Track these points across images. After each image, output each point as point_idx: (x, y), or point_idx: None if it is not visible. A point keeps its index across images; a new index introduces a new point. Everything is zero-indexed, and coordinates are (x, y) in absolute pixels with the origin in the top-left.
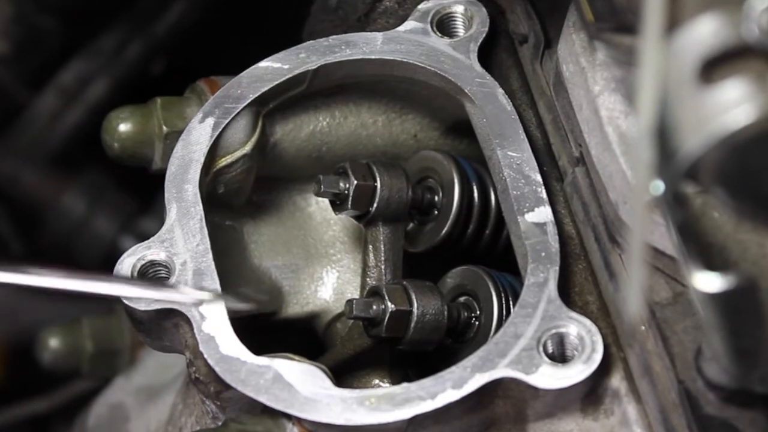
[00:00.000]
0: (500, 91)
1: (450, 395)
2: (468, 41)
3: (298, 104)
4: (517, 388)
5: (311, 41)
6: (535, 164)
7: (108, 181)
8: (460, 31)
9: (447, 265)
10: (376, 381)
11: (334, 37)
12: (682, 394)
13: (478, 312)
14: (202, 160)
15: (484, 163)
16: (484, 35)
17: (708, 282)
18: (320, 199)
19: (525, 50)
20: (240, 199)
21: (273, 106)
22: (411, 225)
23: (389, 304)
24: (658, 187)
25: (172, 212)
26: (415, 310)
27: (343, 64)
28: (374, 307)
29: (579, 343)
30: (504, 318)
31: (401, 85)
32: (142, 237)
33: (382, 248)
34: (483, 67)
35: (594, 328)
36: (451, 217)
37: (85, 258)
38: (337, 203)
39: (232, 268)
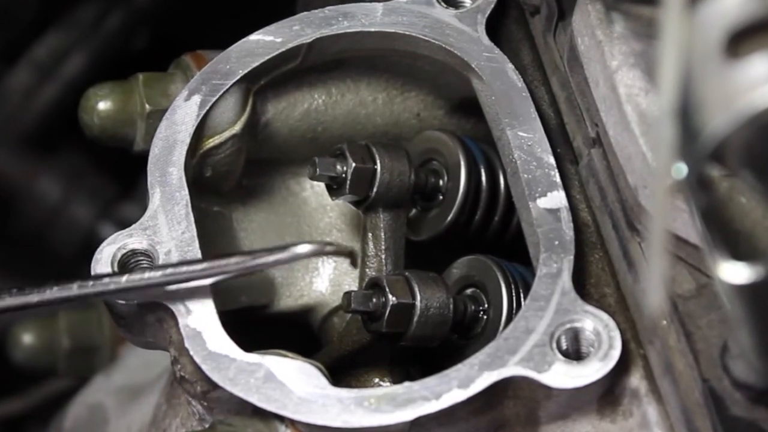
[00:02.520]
0: (510, 66)
1: (456, 395)
2: (475, 12)
3: (292, 81)
4: (528, 387)
5: (306, 12)
6: (548, 145)
7: (86, 163)
8: (467, 1)
9: (452, 254)
10: (376, 380)
11: (331, 8)
12: (707, 394)
13: (486, 305)
14: (188, 141)
15: (492, 144)
16: (492, 6)
17: (735, 272)
18: (315, 183)
19: (537, 22)
20: (229, 183)
21: (264, 82)
22: (413, 211)
23: (390, 296)
24: (681, 170)
25: (155, 197)
26: (418, 303)
27: (340, 38)
28: (374, 299)
29: (595, 339)
30: (514, 312)
31: (403, 60)
32: (123, 224)
33: (383, 236)
34: (491, 41)
35: (611, 323)
36: (457, 202)
37: (61, 247)
38: (334, 187)
39: None
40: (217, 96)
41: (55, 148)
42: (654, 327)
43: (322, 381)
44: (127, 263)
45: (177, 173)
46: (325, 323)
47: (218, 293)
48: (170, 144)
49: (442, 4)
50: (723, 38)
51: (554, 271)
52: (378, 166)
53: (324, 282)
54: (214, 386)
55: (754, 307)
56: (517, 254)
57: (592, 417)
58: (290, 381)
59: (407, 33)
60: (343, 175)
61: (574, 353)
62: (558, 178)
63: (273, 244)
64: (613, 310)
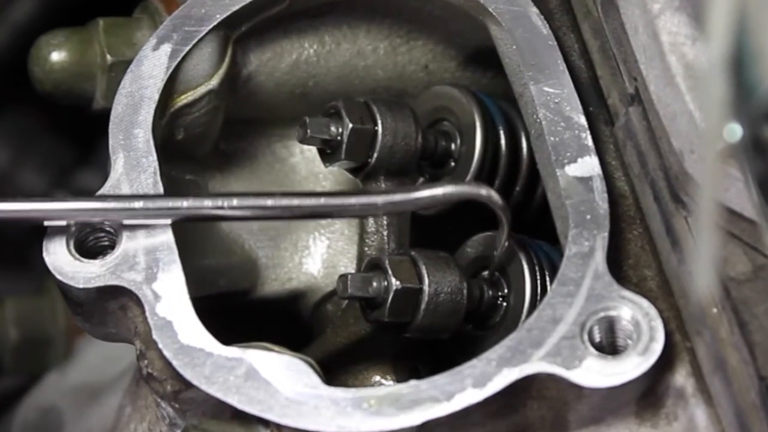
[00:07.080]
0: (534, 10)
1: (470, 396)
2: None
3: (278, 27)
4: (555, 386)
5: None
6: (578, 103)
7: (38, 124)
8: None
9: (466, 231)
10: (377, 377)
11: None
12: (765, 393)
13: (506, 290)
14: (157, 97)
15: (513, 101)
16: None
17: None
18: (306, 147)
19: None
20: (204, 147)
21: (246, 29)
22: (421, 180)
23: (393, 280)
24: (735, 131)
25: (118, 163)
26: (425, 287)
27: None
28: (374, 283)
29: (634, 330)
30: (539, 298)
31: (409, 2)
32: (81, 194)
33: None
34: None
35: (653, 311)
36: (472, 169)
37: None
38: (328, 152)
39: (194, 234)
40: (191, 45)
41: (2, 106)
42: (703, 316)
43: (314, 379)
44: (85, 241)
45: (144, 135)
46: (318, 311)
47: (192, 276)
48: (136, 101)
49: None
50: None
51: (586, 250)
52: (379, 127)
53: (316, 263)
54: (187, 385)
55: None
56: (542, 231)
57: (630, 421)
58: (276, 379)
59: None
60: (338, 138)
61: (609, 346)
62: (590, 142)
63: None
64: (655, 296)
